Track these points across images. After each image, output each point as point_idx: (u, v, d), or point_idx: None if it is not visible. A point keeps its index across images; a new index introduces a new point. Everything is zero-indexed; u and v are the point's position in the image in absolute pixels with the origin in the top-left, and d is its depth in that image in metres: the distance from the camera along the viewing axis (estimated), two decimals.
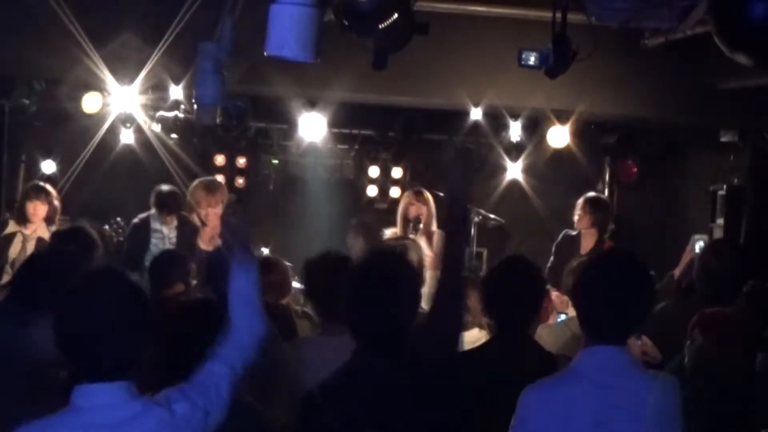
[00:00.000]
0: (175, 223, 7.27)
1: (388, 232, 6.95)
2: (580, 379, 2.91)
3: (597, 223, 6.92)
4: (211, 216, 6.66)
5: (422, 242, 6.83)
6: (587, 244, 6.92)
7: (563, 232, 7.19)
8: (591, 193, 7.33)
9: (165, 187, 7.53)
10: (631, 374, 2.94)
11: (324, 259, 4.09)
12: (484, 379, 3.44)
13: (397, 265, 3.11)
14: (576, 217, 6.99)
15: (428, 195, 7.11)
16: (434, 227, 7.09)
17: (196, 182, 7.09)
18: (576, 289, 3.12)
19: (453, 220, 3.26)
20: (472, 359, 3.64)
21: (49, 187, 7.28)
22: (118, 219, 7.59)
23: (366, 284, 2.99)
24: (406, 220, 6.98)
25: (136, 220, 7.33)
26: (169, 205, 7.32)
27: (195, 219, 6.86)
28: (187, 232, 7.02)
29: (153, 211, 7.36)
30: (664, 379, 3.00)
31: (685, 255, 5.62)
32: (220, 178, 9.34)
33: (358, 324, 3.01)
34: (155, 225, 7.28)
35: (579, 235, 7.00)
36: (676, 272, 5.50)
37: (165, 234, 7.32)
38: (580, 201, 7.02)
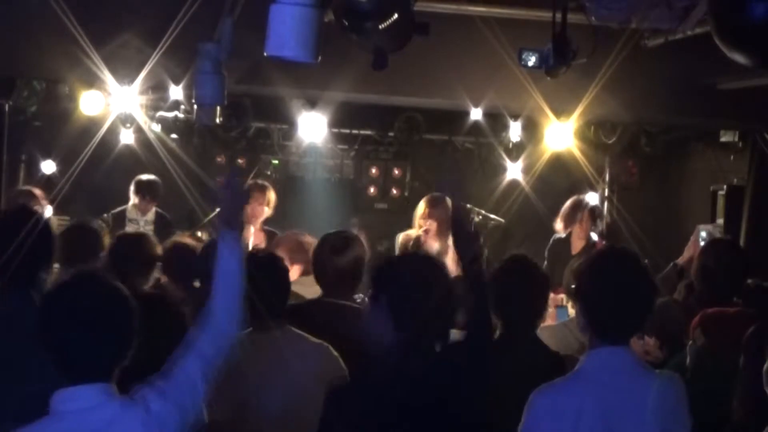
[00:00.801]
0: (152, 215, 7.43)
1: (401, 235, 6.96)
2: (587, 382, 2.93)
3: (575, 221, 7.07)
4: (255, 208, 6.86)
5: (437, 248, 6.83)
6: (578, 245, 7.01)
7: (553, 237, 7.27)
8: (588, 201, 7.39)
9: (144, 176, 7.72)
10: (636, 374, 2.95)
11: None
12: (491, 379, 3.44)
13: (433, 269, 3.07)
14: (577, 225, 7.08)
15: (445, 204, 7.00)
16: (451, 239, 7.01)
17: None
18: (579, 290, 3.13)
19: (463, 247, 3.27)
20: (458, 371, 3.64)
21: (36, 190, 7.33)
22: (105, 215, 7.65)
23: (407, 287, 2.94)
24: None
25: (114, 211, 7.47)
26: (147, 191, 7.50)
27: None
28: (164, 227, 7.16)
29: (129, 203, 7.54)
30: (669, 379, 3.02)
31: (689, 245, 5.64)
32: (219, 178, 9.40)
33: (400, 326, 2.93)
34: (131, 215, 7.46)
35: (569, 237, 7.10)
36: (680, 261, 5.53)
37: (141, 225, 7.44)
38: (584, 212, 7.10)
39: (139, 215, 7.67)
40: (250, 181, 7.49)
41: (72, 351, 2.48)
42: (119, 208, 7.68)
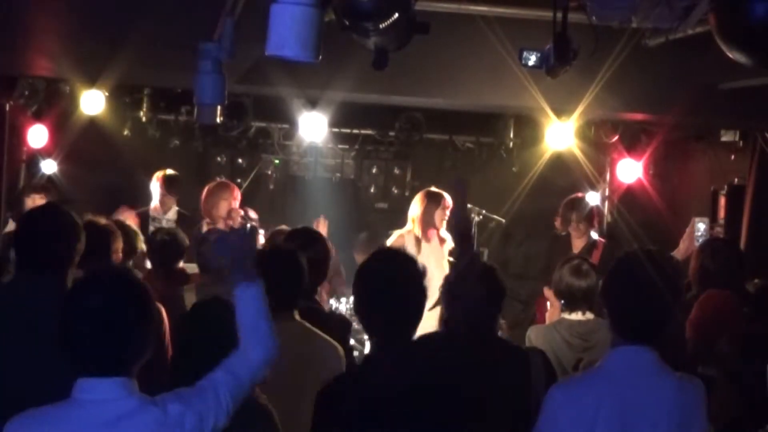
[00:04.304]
0: (174, 214, 7.41)
1: (396, 233, 6.99)
2: (606, 378, 2.97)
3: (570, 221, 7.04)
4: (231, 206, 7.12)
5: (436, 244, 6.88)
6: (578, 243, 7.02)
7: (552, 233, 7.29)
8: (587, 201, 7.41)
9: (168, 171, 7.71)
10: (656, 375, 2.98)
11: None
12: (451, 376, 3.47)
13: (402, 266, 3.21)
14: (574, 224, 7.12)
15: (441, 199, 7.07)
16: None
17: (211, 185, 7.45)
18: (603, 290, 3.18)
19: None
20: (437, 358, 3.68)
21: (41, 190, 7.33)
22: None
23: (376, 285, 3.17)
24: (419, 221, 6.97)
25: (138, 211, 7.45)
26: (169, 185, 7.49)
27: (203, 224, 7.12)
28: (187, 227, 7.16)
29: (151, 203, 7.51)
30: (690, 381, 3.05)
31: (685, 237, 5.65)
32: (219, 178, 9.41)
33: (371, 322, 3.18)
34: (153, 214, 7.45)
35: (568, 236, 7.12)
36: (676, 253, 5.54)
37: (163, 224, 7.42)
38: (581, 212, 7.14)
39: (160, 214, 7.63)
40: (217, 179, 7.61)
41: (92, 348, 2.49)
42: (142, 208, 7.61)
